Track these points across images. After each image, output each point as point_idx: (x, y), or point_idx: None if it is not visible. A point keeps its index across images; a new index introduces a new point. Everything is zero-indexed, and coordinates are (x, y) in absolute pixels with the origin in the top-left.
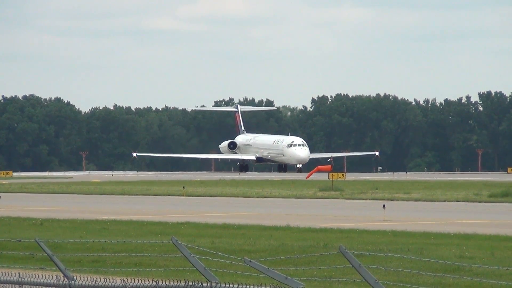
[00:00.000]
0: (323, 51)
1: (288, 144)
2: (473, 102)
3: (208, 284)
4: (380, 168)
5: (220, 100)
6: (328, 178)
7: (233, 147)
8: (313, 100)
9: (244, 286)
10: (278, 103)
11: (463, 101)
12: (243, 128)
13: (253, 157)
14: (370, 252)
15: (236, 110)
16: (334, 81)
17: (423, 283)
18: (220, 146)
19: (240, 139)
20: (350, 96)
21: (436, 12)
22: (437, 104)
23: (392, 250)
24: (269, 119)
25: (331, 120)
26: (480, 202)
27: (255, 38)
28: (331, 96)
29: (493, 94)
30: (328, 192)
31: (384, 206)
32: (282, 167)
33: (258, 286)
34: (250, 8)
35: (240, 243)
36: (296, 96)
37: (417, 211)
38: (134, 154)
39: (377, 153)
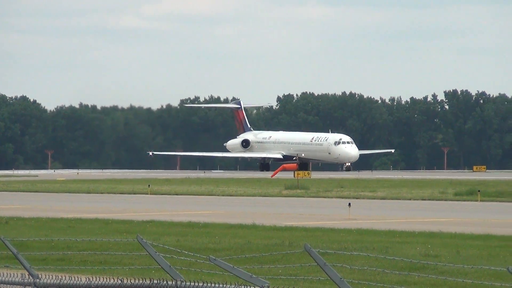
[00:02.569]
0: (288, 49)
1: (336, 142)
2: (439, 100)
3: (173, 283)
4: (347, 164)
5: (185, 99)
6: (294, 176)
7: (245, 145)
8: (278, 99)
9: (209, 284)
10: (244, 101)
11: (429, 99)
12: (249, 125)
13: (278, 155)
14: (335, 250)
15: (239, 106)
16: (300, 79)
17: (388, 281)
18: (227, 144)
19: (251, 136)
20: (316, 95)
21: (402, 10)
22: (403, 102)
23: (357, 249)
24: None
25: (297, 118)
26: (445, 200)
27: (220, 37)
28: (296, 95)
29: (459, 92)
30: (293, 191)
31: (349, 204)
32: (303, 165)
33: (223, 285)
34: (215, 7)
35: (205, 242)
36: (262, 94)
37: (383, 209)
38: (150, 153)
39: (392, 151)
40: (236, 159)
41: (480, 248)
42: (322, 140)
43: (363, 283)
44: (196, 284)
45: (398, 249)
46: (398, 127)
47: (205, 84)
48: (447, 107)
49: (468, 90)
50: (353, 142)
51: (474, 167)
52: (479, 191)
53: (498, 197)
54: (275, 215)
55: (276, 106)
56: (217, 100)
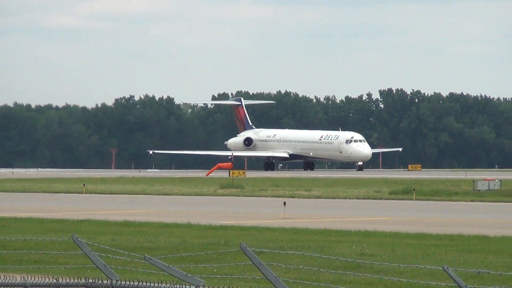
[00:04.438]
0: (223, 48)
1: (348, 140)
2: (374, 99)
3: (109, 282)
4: (281, 165)
5: (120, 98)
6: (229, 175)
7: (248, 143)
8: (213, 97)
9: (144, 283)
10: (178, 100)
11: (364, 98)
12: (250, 123)
13: (284, 154)
14: (270, 249)
15: (240, 103)
16: (235, 78)
17: (323, 280)
18: (228, 143)
19: (253, 134)
20: (251, 93)
21: (337, 9)
22: (338, 101)
23: (292, 248)
24: (170, 117)
25: (232, 117)
26: (380, 199)
27: (155, 35)
28: (231, 94)
29: (394, 91)
30: (228, 190)
31: (284, 203)
32: (309, 164)
33: (158, 284)
34: (149, 5)
35: (140, 241)
36: (196, 93)
37: (318, 208)
38: (151, 152)
39: (400, 149)
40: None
41: (415, 247)
42: (332, 139)
43: (298, 282)
44: (132, 283)
45: (334, 248)
46: (333, 126)
47: (140, 83)
48: (382, 106)
49: (403, 89)
50: (365, 141)
51: (409, 166)
52: (414, 190)
53: (433, 196)
54: (211, 214)
55: (211, 105)
56: (152, 99)
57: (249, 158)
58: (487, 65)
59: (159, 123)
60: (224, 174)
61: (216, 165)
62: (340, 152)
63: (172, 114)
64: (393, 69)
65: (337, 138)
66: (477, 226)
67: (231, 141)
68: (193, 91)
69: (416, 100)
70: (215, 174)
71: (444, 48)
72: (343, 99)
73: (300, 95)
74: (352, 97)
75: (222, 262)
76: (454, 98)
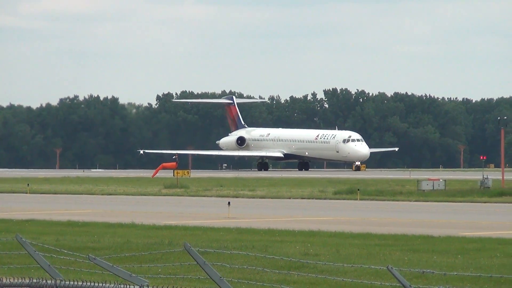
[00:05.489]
0: (167, 48)
1: (345, 140)
2: (318, 99)
3: (53, 282)
4: (225, 165)
5: (65, 98)
6: (173, 175)
7: (241, 143)
8: (158, 97)
9: (88, 283)
10: (123, 100)
11: (308, 98)
12: (242, 122)
13: (278, 154)
14: (215, 249)
15: (232, 102)
16: (179, 78)
17: (268, 280)
18: (220, 142)
19: (246, 133)
20: (196, 93)
21: (282, 9)
22: (282, 101)
23: (237, 248)
24: (114, 116)
25: (177, 117)
26: (325, 199)
27: (99, 35)
28: (176, 93)
29: (339, 91)
30: (173, 189)
31: (229, 203)
32: (304, 164)
33: (102, 284)
34: (94, 5)
35: (84, 241)
36: (141, 93)
37: (262, 208)
38: (141, 151)
39: (396, 149)
40: (231, 157)
41: (359, 246)
42: (329, 138)
43: (242, 282)
44: (76, 283)
45: (278, 248)
46: (278, 125)
47: (85, 82)
48: (326, 105)
49: (348, 89)
50: (363, 140)
51: (354, 166)
52: (358, 189)
53: (377, 196)
54: (155, 214)
55: (156, 104)
56: (97, 99)
57: (242, 158)
58: (432, 65)
59: (103, 123)
60: (169, 174)
61: (161, 165)
62: (337, 151)
63: (117, 114)
64: (338, 69)
65: (334, 137)
66: (422, 226)
67: (223, 141)
68: (137, 91)
69: (361, 100)
70: (160, 174)
71: (389, 48)
72: (288, 99)
73: (245, 95)
74: (297, 97)
75: (166, 262)
76: (398, 98)
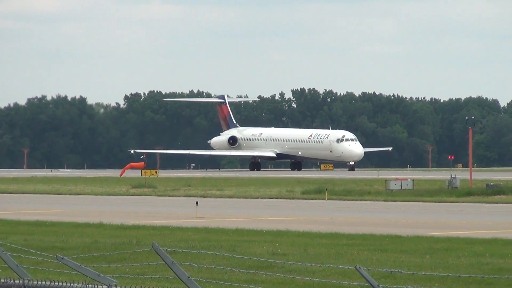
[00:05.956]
0: (135, 48)
1: (339, 139)
2: (286, 99)
3: (21, 281)
4: (193, 165)
5: (33, 97)
6: (141, 175)
7: (233, 142)
8: (126, 97)
9: (56, 283)
10: (91, 100)
11: (276, 98)
12: (234, 121)
13: (271, 154)
14: (183, 249)
15: (223, 101)
16: (147, 78)
17: (236, 280)
18: (212, 142)
19: (237, 133)
20: (164, 93)
21: (250, 9)
22: (250, 101)
23: (205, 247)
24: (82, 116)
25: (144, 117)
26: (293, 199)
27: (67, 35)
28: (144, 93)
29: (307, 91)
30: (141, 189)
31: (197, 203)
32: (296, 164)
33: (70, 283)
34: (61, 5)
35: (52, 240)
36: (109, 92)
37: (230, 208)
38: (132, 151)
39: (390, 149)
40: (223, 157)
41: (327, 246)
42: (322, 137)
43: (211, 281)
44: (44, 283)
45: (246, 248)
46: (245, 125)
47: (52, 82)
48: (294, 105)
49: (316, 89)
50: (357, 140)
51: (322, 166)
52: (326, 189)
53: (345, 196)
54: (123, 214)
55: (124, 104)
56: (64, 99)
57: (234, 157)
58: (400, 65)
59: (71, 122)
60: (137, 173)
61: (128, 165)
62: (331, 151)
63: (85, 114)
64: (306, 68)
65: (327, 136)
66: (390, 226)
67: (215, 140)
68: (105, 91)
69: (329, 100)
70: (128, 173)
71: (357, 48)
72: (256, 98)
73: (213, 95)
74: (265, 96)
75: (134, 261)
76: (366, 97)
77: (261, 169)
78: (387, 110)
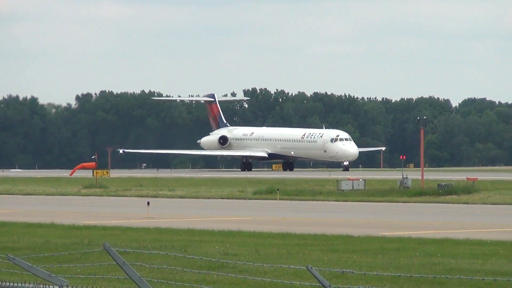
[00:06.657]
0: (86, 47)
1: (333, 139)
2: (238, 99)
3: None
4: (145, 165)
5: None
6: (93, 175)
7: (223, 142)
8: (77, 97)
9: (7, 283)
10: (42, 100)
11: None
12: (224, 121)
13: (263, 154)
14: (134, 249)
15: (213, 100)
16: (99, 78)
17: (187, 280)
18: (202, 141)
19: (227, 132)
20: (115, 93)
21: (200, 8)
22: (202, 101)
23: (156, 247)
24: (34, 116)
25: (96, 117)
26: (244, 199)
27: (17, 35)
28: (95, 93)
29: (258, 91)
30: (92, 189)
31: (148, 203)
32: (289, 164)
33: (22, 284)
34: (11, 4)
35: (3, 241)
36: (60, 93)
37: (182, 208)
38: (121, 151)
39: (383, 148)
40: (214, 157)
41: (279, 246)
42: (316, 137)
43: (162, 281)
44: None
45: (197, 248)
46: (198, 125)
47: (3, 82)
48: (246, 105)
49: (267, 89)
50: (352, 139)
51: (273, 166)
52: (278, 189)
53: (297, 196)
54: (74, 214)
55: (75, 105)
56: (16, 99)
57: (225, 157)
58: (351, 65)
59: (22, 122)
60: (88, 174)
61: (80, 165)
62: (325, 151)
63: (36, 114)
64: (257, 68)
65: (321, 136)
66: (341, 226)
67: (205, 140)
68: (57, 91)
69: (280, 100)
70: (79, 173)
71: (308, 48)
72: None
73: (164, 95)
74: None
75: (85, 262)
76: (318, 97)
77: (252, 169)
78: (339, 110)
